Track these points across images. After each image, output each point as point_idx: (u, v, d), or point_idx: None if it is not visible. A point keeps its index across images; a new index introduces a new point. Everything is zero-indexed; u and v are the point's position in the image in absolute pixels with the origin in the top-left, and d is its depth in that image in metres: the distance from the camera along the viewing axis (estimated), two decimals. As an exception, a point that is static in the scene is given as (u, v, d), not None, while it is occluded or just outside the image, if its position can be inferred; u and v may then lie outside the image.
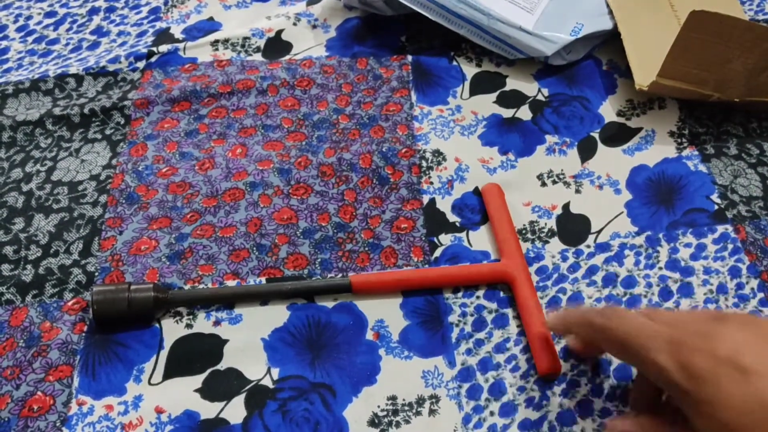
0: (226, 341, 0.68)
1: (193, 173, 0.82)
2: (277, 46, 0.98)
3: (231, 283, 0.72)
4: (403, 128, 0.86)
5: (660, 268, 0.73)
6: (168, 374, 0.66)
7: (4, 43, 1.02)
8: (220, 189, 0.80)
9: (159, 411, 0.64)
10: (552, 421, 0.63)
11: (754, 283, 0.71)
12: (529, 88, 0.91)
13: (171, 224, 0.77)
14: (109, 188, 0.81)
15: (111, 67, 0.94)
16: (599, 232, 0.76)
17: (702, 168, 0.81)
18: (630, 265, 0.73)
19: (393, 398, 0.65)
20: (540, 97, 0.90)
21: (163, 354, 0.67)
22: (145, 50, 0.96)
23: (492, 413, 0.63)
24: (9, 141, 0.87)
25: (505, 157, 0.83)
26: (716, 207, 0.77)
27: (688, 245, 0.74)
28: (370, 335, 0.68)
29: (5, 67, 0.97)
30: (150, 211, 0.78)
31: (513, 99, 0.90)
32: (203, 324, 0.69)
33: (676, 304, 0.70)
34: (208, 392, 0.65)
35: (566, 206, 0.79)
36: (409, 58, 0.95)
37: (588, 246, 0.75)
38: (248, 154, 0.84)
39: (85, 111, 0.89)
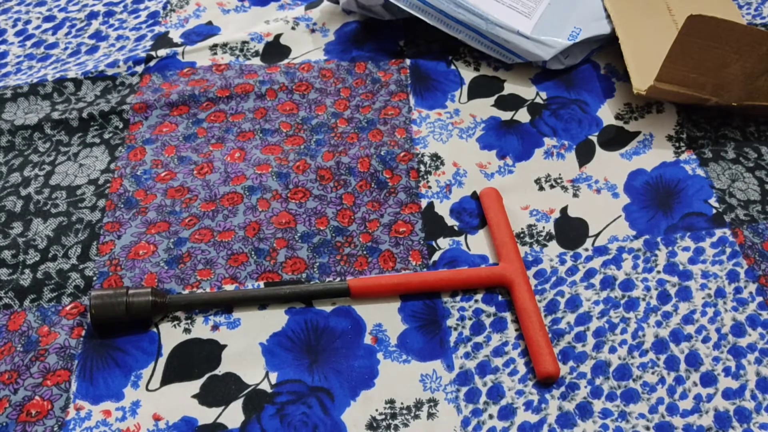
0: (224, 346, 0.68)
1: (191, 177, 0.82)
2: (275, 50, 0.98)
3: (229, 287, 0.72)
4: (402, 132, 0.86)
5: (658, 272, 0.73)
6: (166, 380, 0.66)
7: (3, 47, 1.02)
8: (218, 193, 0.80)
9: (157, 418, 0.63)
10: (552, 424, 0.63)
11: (753, 287, 0.71)
12: (528, 91, 0.91)
13: (169, 229, 0.77)
14: (108, 192, 0.81)
15: (110, 72, 0.94)
16: (597, 235, 0.76)
17: (700, 172, 0.81)
18: (628, 268, 0.73)
19: (391, 402, 0.64)
20: (538, 100, 0.90)
21: (161, 360, 0.67)
22: (143, 54, 0.96)
23: (491, 416, 0.63)
24: (7, 145, 0.87)
25: (503, 161, 0.83)
26: (714, 211, 0.78)
27: (686, 249, 0.74)
28: (368, 339, 0.68)
29: (4, 71, 0.97)
30: (148, 216, 0.78)
31: (511, 102, 0.90)
32: (201, 328, 0.69)
33: (675, 308, 0.70)
34: (206, 397, 0.65)
35: (564, 210, 0.79)
36: (408, 62, 0.95)
37: (586, 249, 0.75)
38: (247, 158, 0.84)
39: (84, 115, 0.89)
